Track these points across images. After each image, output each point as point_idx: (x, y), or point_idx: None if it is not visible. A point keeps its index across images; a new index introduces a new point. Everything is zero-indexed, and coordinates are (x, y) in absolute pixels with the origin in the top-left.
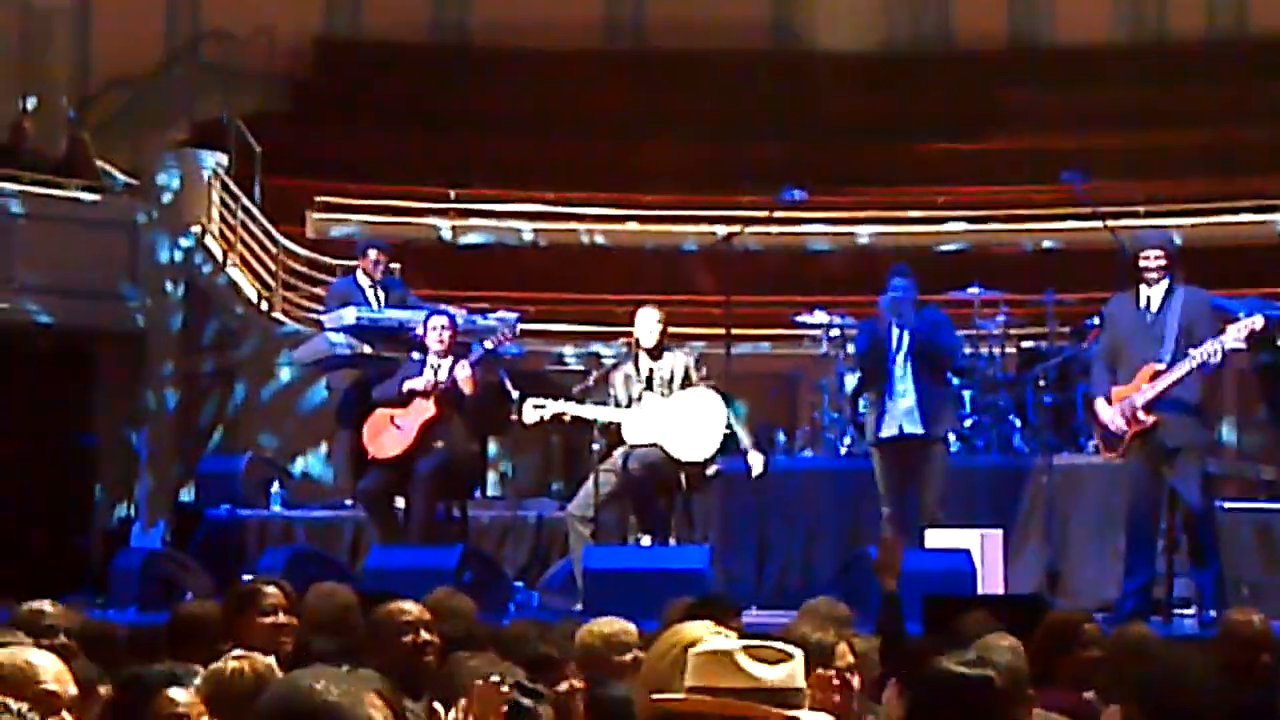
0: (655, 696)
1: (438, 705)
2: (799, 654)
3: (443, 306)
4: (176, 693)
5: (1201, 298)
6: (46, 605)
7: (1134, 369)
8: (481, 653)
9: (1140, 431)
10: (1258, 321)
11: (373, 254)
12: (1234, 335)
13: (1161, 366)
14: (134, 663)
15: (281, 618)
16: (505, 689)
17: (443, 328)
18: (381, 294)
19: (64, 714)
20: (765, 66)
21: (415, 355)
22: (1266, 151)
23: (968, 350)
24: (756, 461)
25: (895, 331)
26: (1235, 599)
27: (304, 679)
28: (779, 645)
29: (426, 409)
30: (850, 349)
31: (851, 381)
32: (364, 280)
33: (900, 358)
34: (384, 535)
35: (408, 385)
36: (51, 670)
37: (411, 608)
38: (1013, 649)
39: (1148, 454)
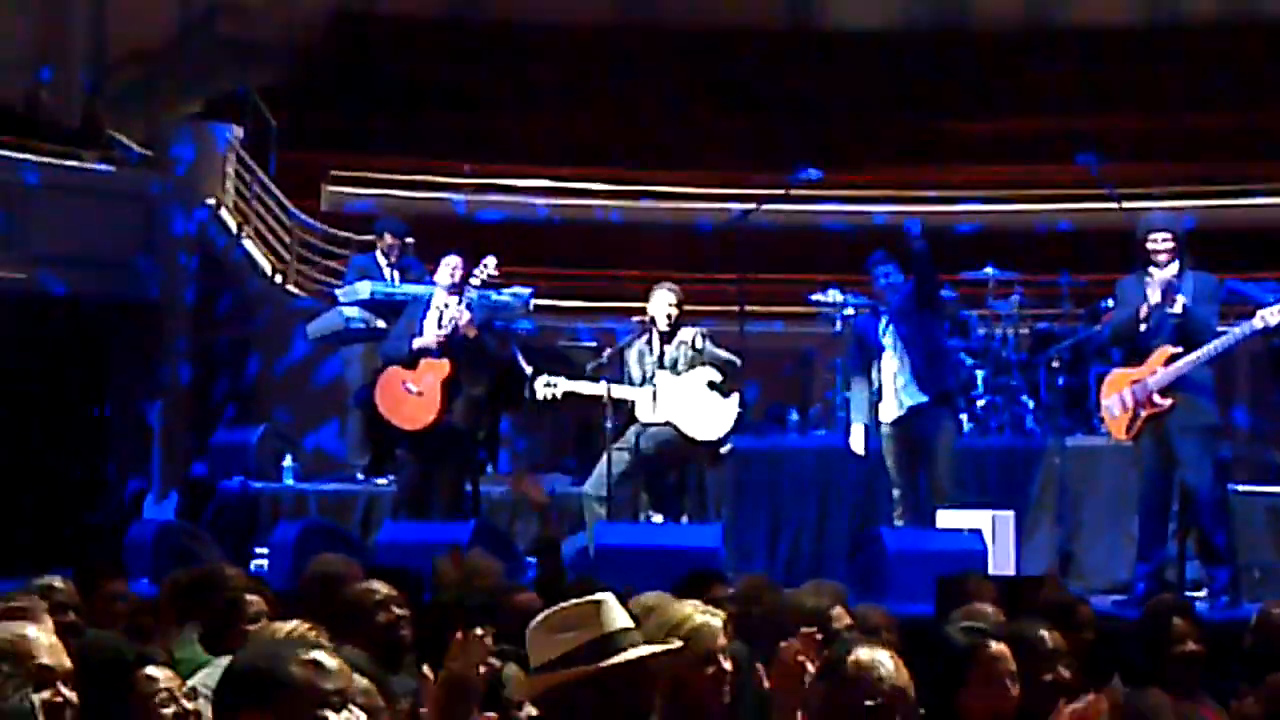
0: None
1: (425, 669)
2: (604, 599)
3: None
4: (155, 671)
5: (1210, 283)
6: (57, 580)
7: (1142, 351)
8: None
9: (1154, 415)
10: None
11: (388, 238)
12: (1266, 319)
13: (1176, 350)
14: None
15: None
16: (489, 641)
17: (455, 267)
18: (398, 274)
19: (59, 686)
20: (782, 44)
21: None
22: None
23: (981, 331)
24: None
25: (884, 319)
26: (1247, 582)
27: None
28: (577, 603)
29: (441, 368)
30: None
31: None
32: (381, 260)
33: (889, 339)
34: (413, 510)
35: (417, 344)
36: (46, 644)
37: (381, 587)
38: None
39: (1160, 437)
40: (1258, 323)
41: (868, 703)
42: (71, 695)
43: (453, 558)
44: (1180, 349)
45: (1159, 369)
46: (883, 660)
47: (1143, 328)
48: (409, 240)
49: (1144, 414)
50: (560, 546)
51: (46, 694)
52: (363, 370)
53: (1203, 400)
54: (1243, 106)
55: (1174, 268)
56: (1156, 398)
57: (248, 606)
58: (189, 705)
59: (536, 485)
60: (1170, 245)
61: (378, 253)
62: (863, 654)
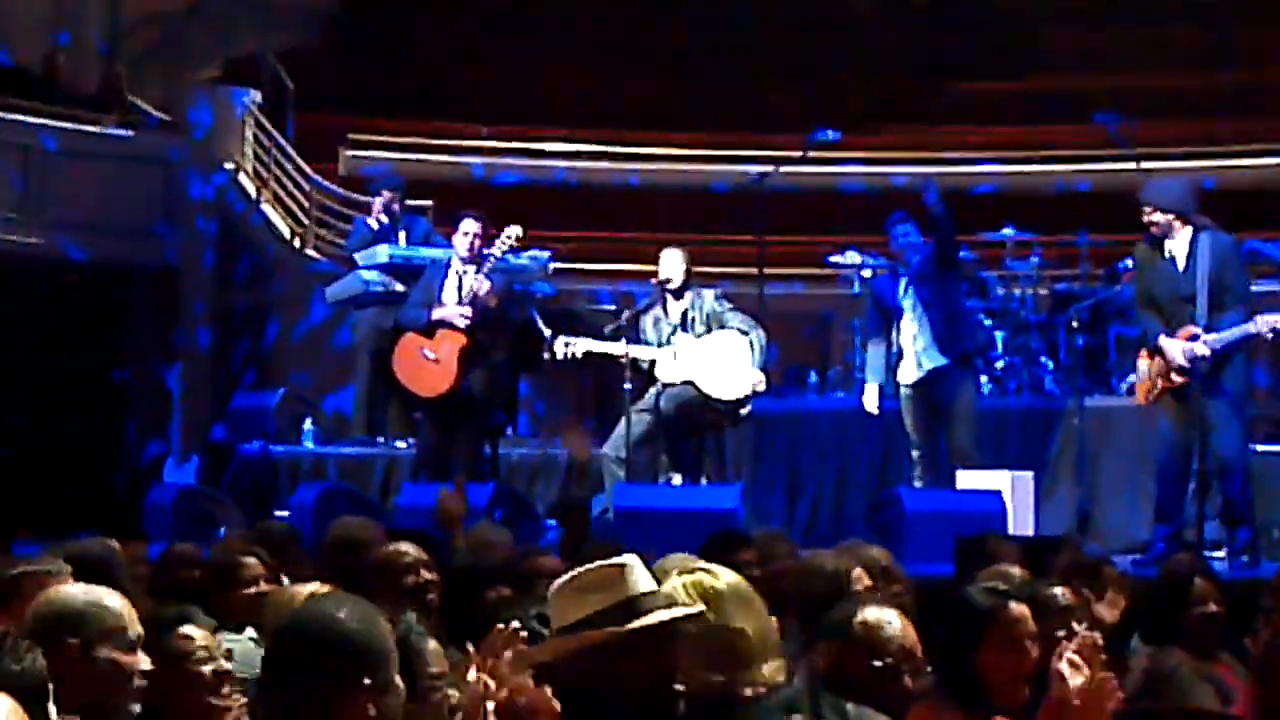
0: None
1: (470, 646)
2: (628, 561)
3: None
4: (191, 630)
5: (1228, 243)
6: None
7: (1168, 320)
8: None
9: (1169, 388)
10: None
11: (385, 194)
12: (1267, 326)
13: (1198, 329)
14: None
15: (264, 587)
16: (524, 634)
17: (474, 234)
18: (403, 234)
19: (138, 653)
20: (799, 5)
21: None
22: None
23: (1000, 292)
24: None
25: (903, 281)
26: (1266, 541)
27: (325, 606)
28: (601, 565)
29: (458, 337)
30: None
31: None
32: (383, 218)
33: (909, 302)
34: (432, 475)
35: (437, 314)
36: (121, 610)
37: (410, 549)
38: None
39: (1183, 400)
40: (1261, 327)
41: (875, 663)
42: (145, 662)
43: (456, 494)
44: (1201, 330)
45: (1182, 345)
46: (890, 619)
47: (1161, 297)
48: (424, 203)
49: (1161, 384)
50: (588, 507)
51: (125, 658)
52: (370, 331)
53: (1226, 365)
54: (1262, 65)
55: (1186, 233)
56: (1175, 375)
57: (243, 570)
58: (226, 665)
59: (583, 437)
60: (1153, 217)
61: (374, 211)
62: (870, 614)
